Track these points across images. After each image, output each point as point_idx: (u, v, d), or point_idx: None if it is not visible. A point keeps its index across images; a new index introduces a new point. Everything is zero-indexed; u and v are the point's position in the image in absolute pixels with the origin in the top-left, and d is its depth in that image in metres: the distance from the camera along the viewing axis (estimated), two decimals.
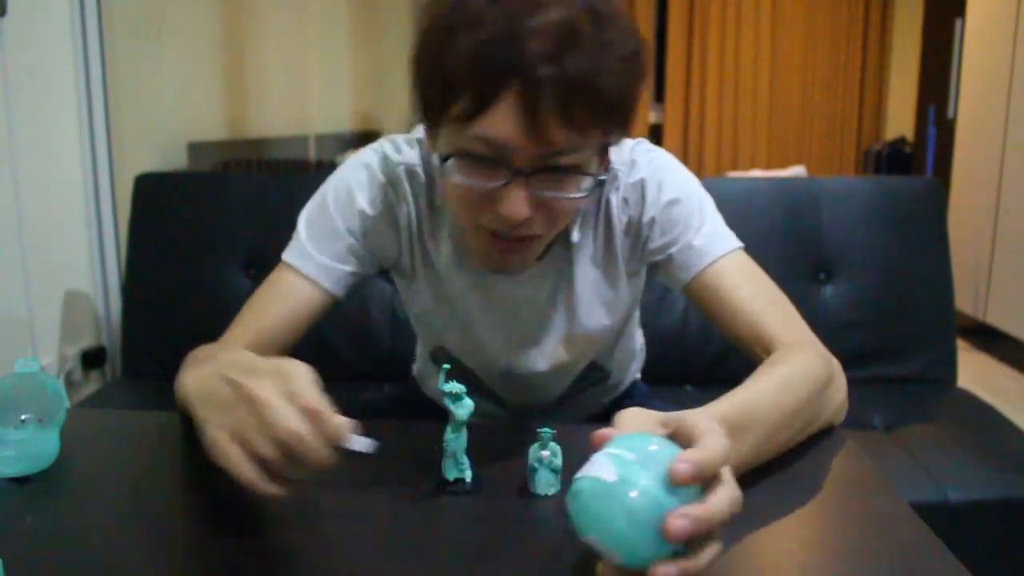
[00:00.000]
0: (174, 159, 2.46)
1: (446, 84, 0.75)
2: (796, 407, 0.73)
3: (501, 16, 0.71)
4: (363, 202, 0.94)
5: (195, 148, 2.53)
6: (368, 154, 0.97)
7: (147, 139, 2.33)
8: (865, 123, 6.10)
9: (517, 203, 0.76)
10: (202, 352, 0.85)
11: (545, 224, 0.82)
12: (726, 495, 0.52)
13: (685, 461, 0.50)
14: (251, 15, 3.04)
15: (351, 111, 4.23)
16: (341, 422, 0.56)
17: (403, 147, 0.96)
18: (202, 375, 0.66)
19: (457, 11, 0.74)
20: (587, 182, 0.80)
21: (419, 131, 0.97)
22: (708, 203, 0.95)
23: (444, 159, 0.79)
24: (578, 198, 0.80)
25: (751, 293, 0.89)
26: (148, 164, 2.25)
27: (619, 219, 0.95)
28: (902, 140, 5.53)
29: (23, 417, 0.72)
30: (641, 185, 0.94)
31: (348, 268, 0.94)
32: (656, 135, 6.11)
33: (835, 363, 0.83)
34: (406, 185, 0.95)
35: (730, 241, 0.93)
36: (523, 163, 0.76)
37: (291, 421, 0.54)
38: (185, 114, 2.57)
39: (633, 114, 0.79)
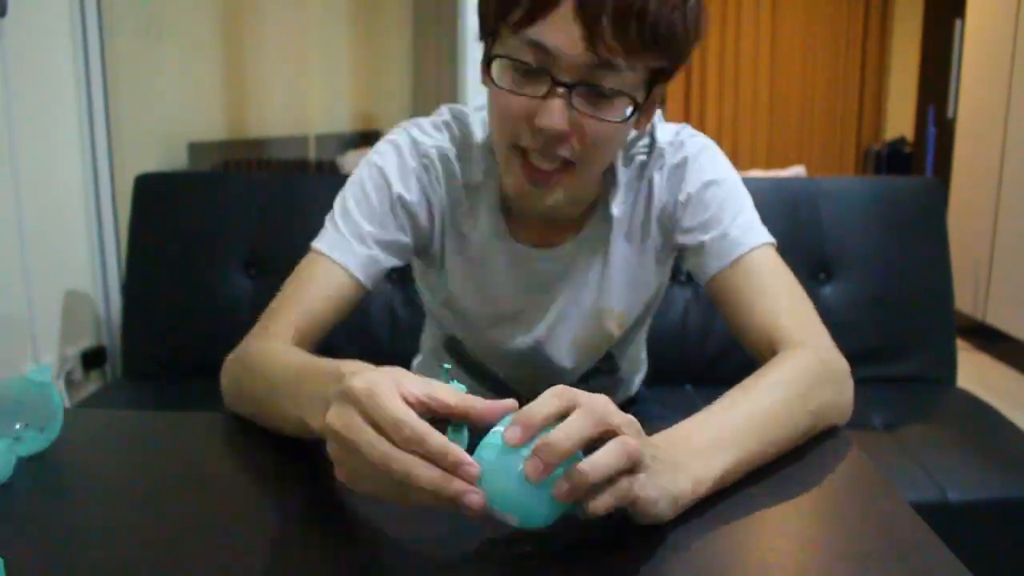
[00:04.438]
0: (174, 159, 2.46)
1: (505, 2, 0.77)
2: (781, 413, 0.72)
3: None
4: (399, 186, 0.94)
5: (195, 148, 2.54)
6: (396, 139, 0.96)
7: (147, 139, 2.33)
8: (865, 123, 6.10)
9: (555, 113, 0.78)
10: (267, 364, 0.79)
11: (579, 151, 0.82)
12: (610, 451, 0.53)
13: (512, 424, 0.52)
14: (251, 15, 3.05)
15: (351, 111, 4.23)
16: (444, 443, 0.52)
17: (430, 130, 0.97)
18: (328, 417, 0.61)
19: None
20: (627, 107, 0.80)
21: (444, 113, 0.98)
22: (745, 193, 0.95)
23: (489, 61, 0.81)
24: (616, 123, 0.81)
25: (770, 296, 0.88)
26: (148, 164, 2.25)
27: (659, 197, 0.95)
28: (902, 140, 5.54)
29: None
30: (684, 164, 0.94)
31: (383, 262, 0.94)
32: None
33: (841, 365, 0.82)
34: (438, 167, 0.96)
35: (763, 234, 0.92)
36: (567, 75, 0.77)
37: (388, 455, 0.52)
38: (185, 114, 2.57)
39: (683, 59, 0.82)
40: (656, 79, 0.82)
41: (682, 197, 0.93)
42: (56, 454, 0.76)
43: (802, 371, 0.77)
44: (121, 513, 0.66)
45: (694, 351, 1.74)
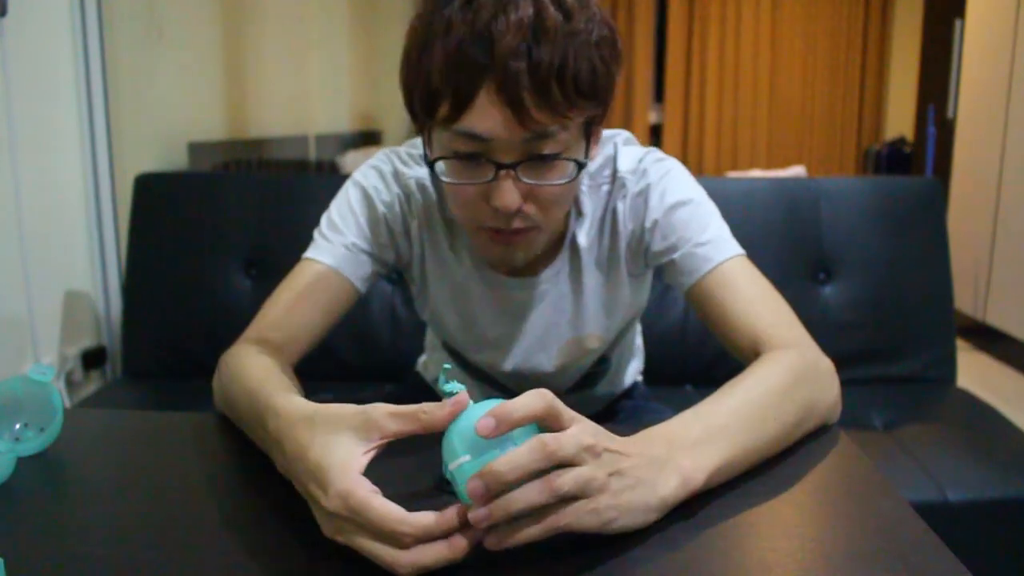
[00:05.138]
0: (174, 159, 2.46)
1: (428, 90, 0.79)
2: (769, 408, 0.73)
3: (471, 19, 0.75)
4: (383, 208, 0.98)
5: (195, 148, 2.54)
6: (380, 166, 1.00)
7: (147, 139, 2.33)
8: (865, 123, 6.10)
9: (507, 194, 0.80)
10: (237, 378, 0.81)
11: (539, 214, 0.85)
12: (526, 448, 0.53)
13: (487, 415, 0.54)
14: (251, 15, 3.05)
15: (351, 111, 4.23)
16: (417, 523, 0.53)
17: (410, 161, 0.99)
18: (281, 464, 0.65)
19: (431, 22, 0.78)
20: (571, 167, 0.83)
21: (419, 145, 1.00)
22: (712, 209, 0.96)
23: (433, 164, 0.83)
24: (564, 184, 0.83)
25: (748, 301, 0.89)
26: (148, 164, 2.25)
27: (624, 226, 0.97)
28: (902, 140, 5.53)
29: None
30: (646, 191, 0.95)
31: (372, 267, 0.97)
32: (656, 135, 6.12)
33: (825, 363, 0.83)
34: (418, 197, 0.98)
35: (732, 247, 0.94)
36: (507, 156, 0.79)
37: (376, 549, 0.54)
38: (185, 114, 2.57)
39: (610, 96, 0.83)
40: (592, 124, 0.84)
41: (648, 223, 0.95)
42: (56, 454, 0.76)
43: (786, 369, 0.78)
44: (121, 513, 0.66)
45: (694, 351, 1.75)
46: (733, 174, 4.12)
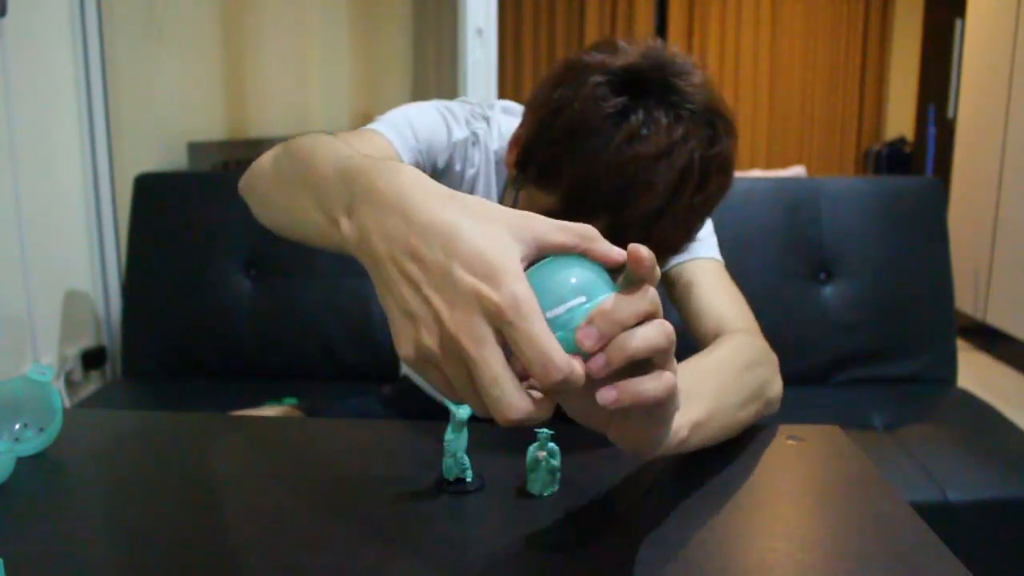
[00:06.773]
0: (174, 159, 2.46)
1: (545, 171, 0.80)
2: (738, 374, 0.76)
3: (624, 142, 0.75)
4: (457, 135, 0.97)
5: (195, 148, 2.54)
6: (456, 109, 0.99)
7: (147, 139, 2.33)
8: (865, 123, 6.10)
9: None
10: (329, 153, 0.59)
11: None
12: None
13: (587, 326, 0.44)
14: (251, 15, 3.05)
15: (351, 111, 4.23)
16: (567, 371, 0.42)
17: (478, 117, 1.00)
18: (375, 225, 0.48)
19: (592, 109, 0.76)
20: None
21: (482, 106, 1.02)
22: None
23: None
24: None
25: (716, 293, 0.95)
26: (148, 164, 2.25)
27: None
28: (902, 140, 5.54)
29: None
30: None
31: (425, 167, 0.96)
32: None
33: (775, 357, 0.87)
34: (481, 151, 1.00)
35: (714, 251, 1.00)
36: None
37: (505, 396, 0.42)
38: (185, 114, 2.57)
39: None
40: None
41: None
42: (56, 454, 0.76)
43: (748, 346, 0.84)
44: (121, 513, 0.66)
45: (694, 351, 1.74)
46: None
